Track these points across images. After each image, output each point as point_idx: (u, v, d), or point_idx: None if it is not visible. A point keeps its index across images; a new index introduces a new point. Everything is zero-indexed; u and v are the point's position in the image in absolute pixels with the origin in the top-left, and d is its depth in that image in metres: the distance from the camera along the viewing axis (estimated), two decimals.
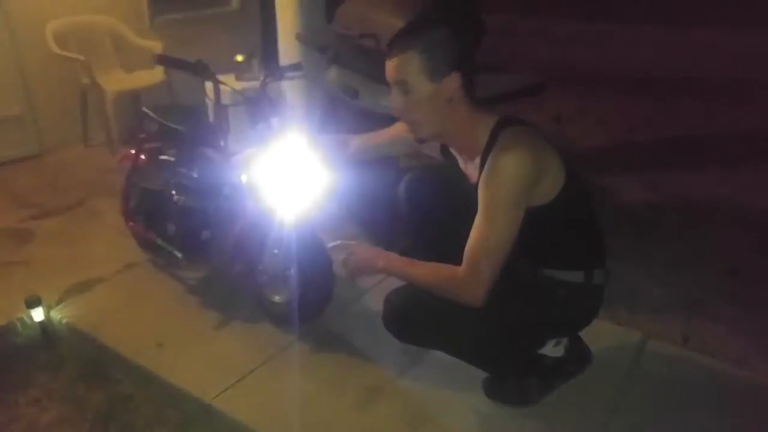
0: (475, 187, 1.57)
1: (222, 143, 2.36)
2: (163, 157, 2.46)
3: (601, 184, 3.34)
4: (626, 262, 2.50)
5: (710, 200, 3.26)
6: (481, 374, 1.88)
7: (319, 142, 1.93)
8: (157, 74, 3.98)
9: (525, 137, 1.53)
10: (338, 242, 1.81)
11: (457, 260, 1.56)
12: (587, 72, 5.66)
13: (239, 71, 3.38)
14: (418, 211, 2.00)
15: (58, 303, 2.40)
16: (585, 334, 1.89)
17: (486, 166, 1.52)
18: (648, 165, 3.71)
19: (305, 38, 3.15)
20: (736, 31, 6.80)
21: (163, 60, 2.30)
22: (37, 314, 2.25)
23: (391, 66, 1.56)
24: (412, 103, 1.57)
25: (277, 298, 2.21)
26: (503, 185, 1.49)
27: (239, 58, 3.37)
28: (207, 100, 3.19)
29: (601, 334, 1.99)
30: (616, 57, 6.13)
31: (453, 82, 1.53)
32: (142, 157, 2.52)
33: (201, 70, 2.09)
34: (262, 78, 2.18)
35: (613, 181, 3.42)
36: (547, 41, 6.56)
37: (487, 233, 1.51)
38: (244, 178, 2.09)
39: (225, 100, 2.42)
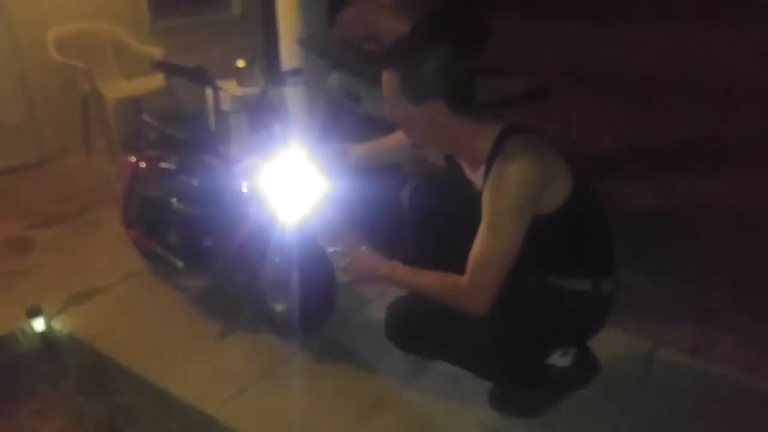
0: (480, 194, 1.55)
1: (223, 150, 2.34)
2: (163, 164, 2.45)
3: (609, 190, 3.30)
4: (636, 269, 2.46)
5: (722, 207, 3.22)
6: (487, 385, 1.86)
7: (319, 152, 1.91)
8: (158, 81, 3.97)
9: (530, 146, 1.51)
10: (340, 248, 1.78)
11: (460, 269, 1.54)
12: (595, 76, 5.62)
13: (240, 77, 3.36)
14: (421, 218, 1.98)
15: (59, 313, 2.38)
16: (593, 343, 1.87)
17: (490, 176, 1.50)
18: (658, 170, 3.67)
19: (307, 43, 3.13)
20: (748, 35, 6.75)
21: (162, 66, 2.29)
22: (38, 324, 2.24)
23: (382, 79, 1.57)
24: (401, 117, 1.59)
25: (279, 308, 2.19)
26: (508, 195, 1.47)
27: (240, 63, 3.36)
28: (208, 107, 3.18)
29: (609, 343, 1.97)
30: (624, 61, 6.10)
31: (434, 107, 1.52)
32: (143, 165, 2.50)
33: (200, 77, 2.08)
34: (263, 84, 2.16)
35: (622, 187, 3.39)
36: (554, 45, 6.53)
37: (491, 243, 1.49)
38: (245, 187, 2.07)
39: (226, 106, 2.41)
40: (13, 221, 3.16)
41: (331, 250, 1.81)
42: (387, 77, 1.56)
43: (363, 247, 1.76)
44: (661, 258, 2.73)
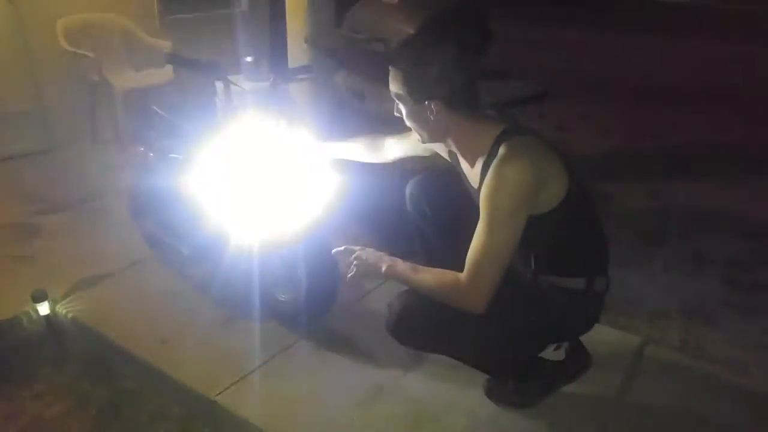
0: (477, 191, 1.59)
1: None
2: (171, 155, 2.48)
3: (603, 191, 3.36)
4: (627, 267, 2.51)
5: (712, 209, 3.28)
6: (483, 375, 1.90)
7: (345, 145, 1.95)
8: (167, 73, 4.00)
9: (527, 148, 1.55)
10: (342, 247, 1.82)
11: (461, 266, 1.57)
12: (591, 80, 5.67)
13: (248, 72, 3.39)
14: (423, 215, 2.01)
15: (63, 298, 2.40)
16: (585, 338, 1.90)
17: (487, 176, 1.54)
18: (651, 173, 3.73)
19: (314, 41, 3.17)
20: (742, 42, 6.81)
21: (173, 59, 2.31)
22: (43, 309, 2.26)
23: (389, 77, 1.62)
24: (405, 113, 1.64)
25: (282, 297, 2.22)
26: (504, 195, 1.50)
27: (249, 58, 3.39)
28: (216, 100, 3.20)
29: (600, 338, 2.00)
30: (620, 66, 6.15)
31: (435, 106, 1.56)
32: (151, 154, 2.53)
33: (212, 70, 2.11)
34: (271, 80, 2.19)
35: (615, 189, 3.44)
36: (551, 49, 6.58)
37: (488, 242, 1.52)
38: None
39: (234, 100, 2.43)
40: (20, 206, 3.18)
41: (333, 251, 1.83)
42: (392, 76, 1.61)
43: (366, 242, 1.78)
44: (653, 256, 2.78)
